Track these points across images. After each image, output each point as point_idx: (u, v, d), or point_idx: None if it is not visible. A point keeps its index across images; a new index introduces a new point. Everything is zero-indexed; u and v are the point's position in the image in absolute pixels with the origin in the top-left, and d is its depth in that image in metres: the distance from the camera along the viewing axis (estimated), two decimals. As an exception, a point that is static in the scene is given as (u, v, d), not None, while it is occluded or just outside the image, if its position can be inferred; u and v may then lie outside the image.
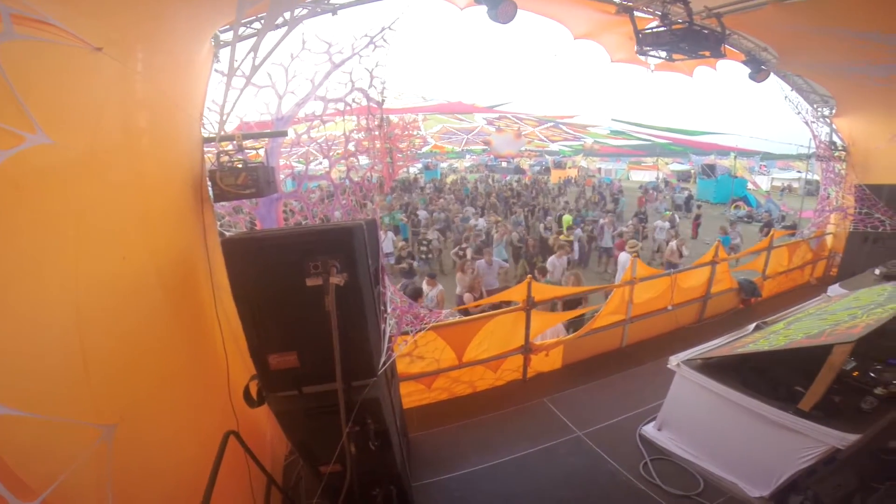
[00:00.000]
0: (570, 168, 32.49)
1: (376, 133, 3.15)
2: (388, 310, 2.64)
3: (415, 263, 9.17)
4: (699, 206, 19.24)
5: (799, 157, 16.33)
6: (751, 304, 6.91)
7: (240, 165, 2.56)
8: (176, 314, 2.34)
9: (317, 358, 2.01)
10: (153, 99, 2.27)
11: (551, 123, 19.53)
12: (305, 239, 1.97)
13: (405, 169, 27.82)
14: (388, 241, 10.73)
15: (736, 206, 20.48)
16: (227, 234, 3.19)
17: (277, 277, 1.96)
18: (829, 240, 8.18)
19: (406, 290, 6.05)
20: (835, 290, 4.81)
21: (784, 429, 2.81)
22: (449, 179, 30.32)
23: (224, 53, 2.91)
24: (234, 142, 2.61)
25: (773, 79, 6.72)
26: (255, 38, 2.46)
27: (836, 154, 7.67)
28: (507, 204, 18.60)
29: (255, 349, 2.08)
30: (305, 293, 1.90)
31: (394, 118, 18.86)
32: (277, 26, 2.79)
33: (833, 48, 5.32)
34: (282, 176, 3.37)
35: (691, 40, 4.64)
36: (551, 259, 7.92)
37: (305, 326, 1.99)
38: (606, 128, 19.11)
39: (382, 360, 2.29)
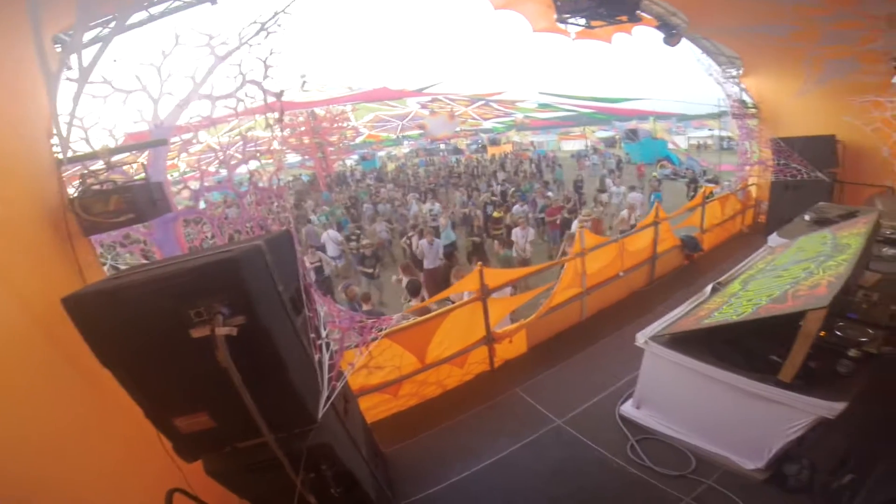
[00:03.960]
0: (504, 144, 32.95)
1: (289, 130, 2.69)
2: (325, 333, 2.26)
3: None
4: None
5: (711, 116, 17.46)
6: (694, 258, 7.19)
7: (109, 187, 2.05)
8: (75, 368, 1.94)
9: (237, 413, 1.60)
10: None
11: (482, 102, 19.54)
12: (175, 281, 1.49)
13: (340, 161, 26.79)
14: (331, 244, 10.16)
15: (662, 166, 21.65)
16: (122, 268, 2.65)
17: (153, 332, 1.51)
18: (753, 190, 8.71)
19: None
20: (774, 239, 4.96)
21: (767, 401, 2.72)
22: (390, 168, 29.66)
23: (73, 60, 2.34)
24: (101, 159, 2.08)
25: (684, 43, 6.93)
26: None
27: (748, 111, 8.10)
28: (448, 185, 18.49)
29: (153, 416, 1.67)
30: (197, 343, 1.47)
31: (320, 111, 17.92)
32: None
33: (736, 10, 5.50)
34: (179, 188, 2.84)
35: (609, 5, 4.61)
36: (515, 231, 8.35)
37: (209, 380, 1.57)
38: (534, 102, 19.39)
39: (324, 396, 1.93)
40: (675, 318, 3.62)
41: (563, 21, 4.91)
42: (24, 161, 2.01)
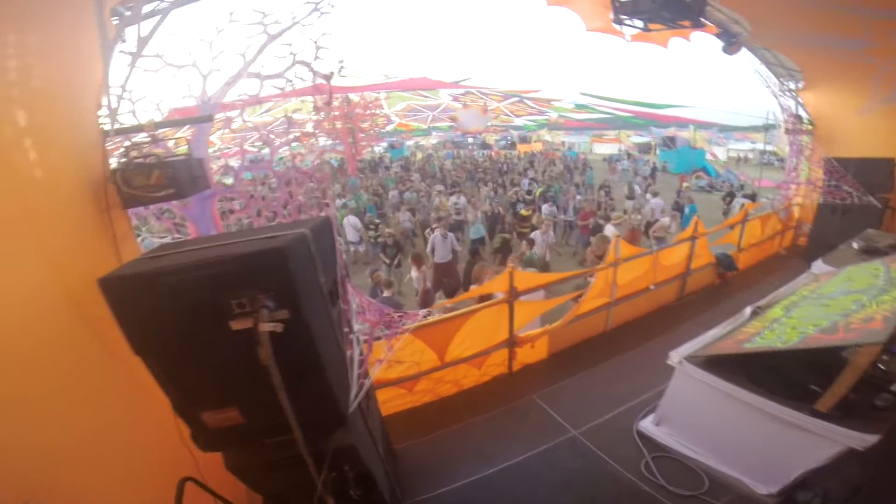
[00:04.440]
0: (535, 142, 32.48)
1: (324, 113, 2.64)
2: (356, 328, 2.20)
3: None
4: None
5: (756, 128, 16.71)
6: (727, 277, 6.89)
7: (152, 161, 2.02)
8: (105, 348, 1.89)
9: (267, 410, 1.54)
10: (33, 92, 1.78)
11: (516, 98, 19.14)
12: (221, 269, 1.38)
13: (370, 148, 26.86)
14: (350, 230, 10.24)
15: (697, 176, 20.96)
16: (154, 240, 2.66)
17: (190, 320, 1.41)
18: (795, 210, 8.27)
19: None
20: (819, 266, 4.69)
21: (798, 429, 2.64)
22: (417, 157, 29.64)
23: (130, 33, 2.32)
24: (147, 133, 2.06)
25: (741, 52, 6.54)
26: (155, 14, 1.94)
27: (803, 127, 7.66)
28: (474, 180, 18.40)
29: (182, 409, 1.59)
30: (235, 335, 1.39)
31: (354, 97, 17.91)
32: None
33: (806, 21, 5.16)
34: (218, 165, 2.82)
35: (673, 8, 4.34)
36: (535, 234, 8.13)
37: (243, 375, 1.49)
38: (571, 102, 18.91)
39: (353, 393, 1.88)
40: (711, 339, 3.50)
41: (620, 22, 4.68)
42: (72, 130, 1.99)
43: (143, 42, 2.05)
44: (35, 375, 1.62)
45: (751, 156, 26.66)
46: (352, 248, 10.32)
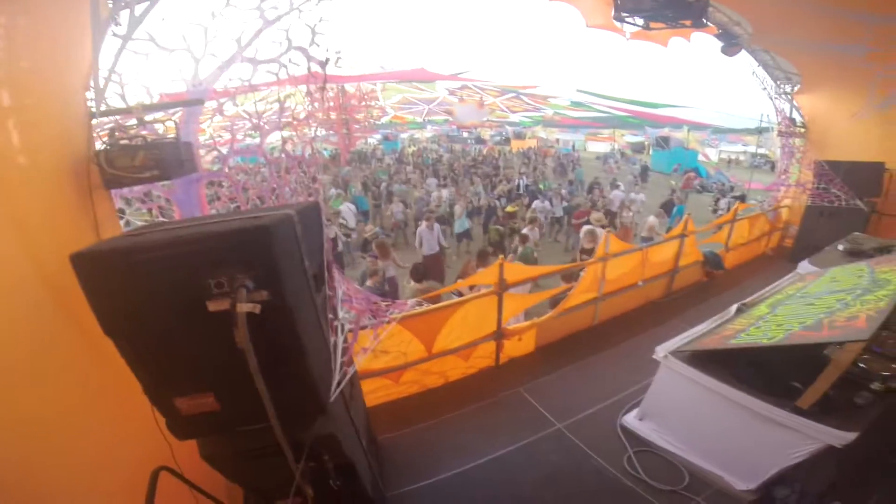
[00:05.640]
0: (529, 139, 32.53)
1: (320, 100, 2.61)
2: (341, 314, 2.20)
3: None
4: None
5: (750, 131, 16.87)
6: (714, 276, 6.99)
7: (139, 142, 1.99)
8: (80, 329, 1.85)
9: (244, 396, 1.50)
10: (20, 72, 1.76)
11: (513, 94, 19.09)
12: (199, 246, 1.32)
13: (363, 140, 26.69)
14: (349, 214, 10.26)
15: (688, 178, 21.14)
16: (138, 223, 2.62)
17: (165, 300, 1.36)
18: (784, 212, 8.39)
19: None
20: (805, 266, 4.79)
21: (778, 425, 2.69)
22: (410, 150, 29.50)
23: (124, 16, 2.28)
24: (135, 116, 2.03)
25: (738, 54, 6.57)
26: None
27: (796, 130, 7.74)
28: (467, 174, 18.44)
29: (153, 394, 1.55)
30: (213, 318, 1.34)
31: (350, 88, 17.75)
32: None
33: (810, 25, 5.21)
34: (207, 150, 2.79)
35: (675, 7, 4.38)
36: (526, 229, 8.12)
37: (220, 360, 1.44)
38: (567, 99, 18.90)
39: (335, 382, 1.88)
40: (696, 334, 3.55)
41: (620, 19, 4.69)
42: (58, 110, 1.95)
43: (134, 24, 2.00)
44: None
45: (742, 158, 26.98)
46: (353, 236, 10.25)
